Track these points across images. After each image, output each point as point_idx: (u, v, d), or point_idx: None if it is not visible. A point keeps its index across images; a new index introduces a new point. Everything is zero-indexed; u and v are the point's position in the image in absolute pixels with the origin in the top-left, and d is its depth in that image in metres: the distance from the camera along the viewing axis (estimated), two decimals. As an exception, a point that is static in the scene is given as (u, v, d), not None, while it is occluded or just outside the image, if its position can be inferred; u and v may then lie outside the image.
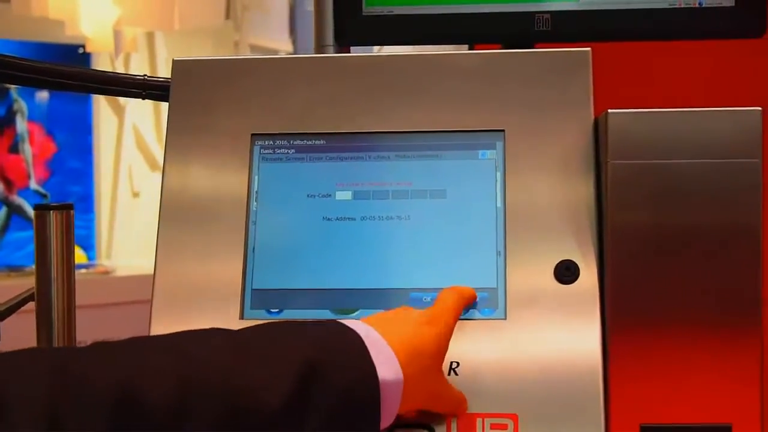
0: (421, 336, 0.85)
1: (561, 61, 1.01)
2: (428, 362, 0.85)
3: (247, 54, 3.98)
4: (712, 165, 0.91)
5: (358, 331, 0.81)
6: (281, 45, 4.36)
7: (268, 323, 0.82)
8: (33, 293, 1.01)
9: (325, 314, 0.96)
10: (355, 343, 0.80)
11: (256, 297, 0.98)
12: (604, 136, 0.94)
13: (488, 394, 0.90)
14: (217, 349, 0.74)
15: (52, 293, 0.98)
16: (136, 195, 3.99)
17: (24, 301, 1.04)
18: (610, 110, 0.93)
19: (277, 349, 0.76)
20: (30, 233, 1.00)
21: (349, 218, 0.99)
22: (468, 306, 0.94)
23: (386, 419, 0.80)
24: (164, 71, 3.89)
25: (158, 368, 0.70)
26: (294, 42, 4.40)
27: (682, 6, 1.06)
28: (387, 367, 0.79)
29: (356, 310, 0.96)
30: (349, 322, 0.82)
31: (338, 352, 0.78)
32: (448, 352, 0.88)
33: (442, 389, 0.88)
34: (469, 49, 1.32)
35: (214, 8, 3.48)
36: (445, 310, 0.89)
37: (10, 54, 1.09)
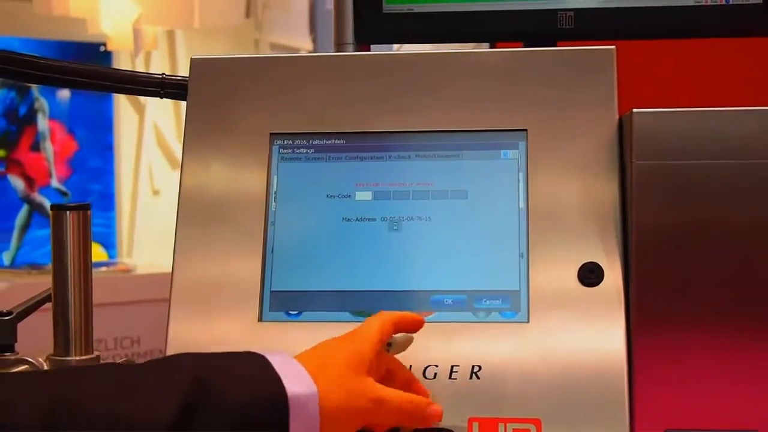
0: (334, 348, 0.82)
1: (585, 60, 0.99)
2: (344, 370, 0.80)
3: (266, 53, 3.98)
4: (740, 165, 0.89)
5: (261, 353, 0.78)
6: (301, 44, 4.35)
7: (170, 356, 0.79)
8: (50, 294, 1.00)
9: (345, 316, 0.95)
10: (255, 361, 0.77)
11: (274, 299, 0.97)
12: (628, 135, 0.92)
13: (511, 399, 0.88)
14: (101, 376, 0.72)
15: (69, 294, 0.97)
16: (156, 193, 3.99)
17: (41, 302, 1.03)
18: (635, 110, 0.91)
19: (167, 371, 0.74)
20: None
21: (369, 219, 0.98)
22: (407, 329, 0.89)
23: None
24: (184, 69, 3.89)
25: (31, 393, 0.68)
26: (314, 40, 4.39)
27: (709, 3, 1.04)
28: (294, 379, 0.76)
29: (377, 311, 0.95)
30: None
31: (235, 368, 0.76)
32: (470, 354, 0.87)
33: (382, 393, 0.82)
34: (490, 47, 1.31)
35: (234, 6, 3.47)
36: (366, 328, 0.85)
37: (31, 53, 1.08)
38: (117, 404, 0.69)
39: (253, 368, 0.76)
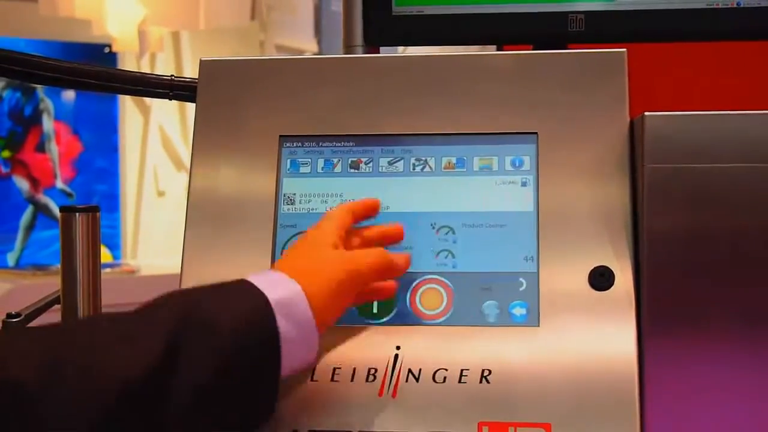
0: (298, 247, 0.89)
1: (596, 63, 0.99)
2: (311, 240, 0.88)
3: (273, 54, 3.98)
4: (752, 169, 0.89)
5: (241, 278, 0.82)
6: (306, 45, 4.35)
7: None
8: (59, 295, 1.00)
9: (353, 318, 0.95)
10: (235, 283, 0.81)
11: (283, 301, 0.96)
12: (640, 139, 0.92)
13: (521, 403, 0.88)
14: (92, 328, 0.77)
15: (78, 296, 0.97)
16: (161, 194, 3.99)
17: (50, 304, 1.03)
18: (646, 113, 0.91)
19: (151, 314, 0.78)
20: (55, 232, 1.00)
21: (379, 222, 0.98)
22: (366, 216, 0.94)
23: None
24: (189, 71, 3.90)
25: (26, 348, 0.71)
26: (319, 42, 4.40)
27: (720, 6, 1.04)
28: (273, 285, 0.80)
29: (387, 314, 0.95)
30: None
31: (217, 293, 0.80)
32: (480, 358, 0.87)
33: (353, 257, 0.87)
34: (498, 50, 1.31)
35: (239, 8, 3.48)
36: (323, 222, 0.91)
37: (36, 53, 1.08)
38: (106, 356, 0.72)
39: (234, 289, 0.80)
